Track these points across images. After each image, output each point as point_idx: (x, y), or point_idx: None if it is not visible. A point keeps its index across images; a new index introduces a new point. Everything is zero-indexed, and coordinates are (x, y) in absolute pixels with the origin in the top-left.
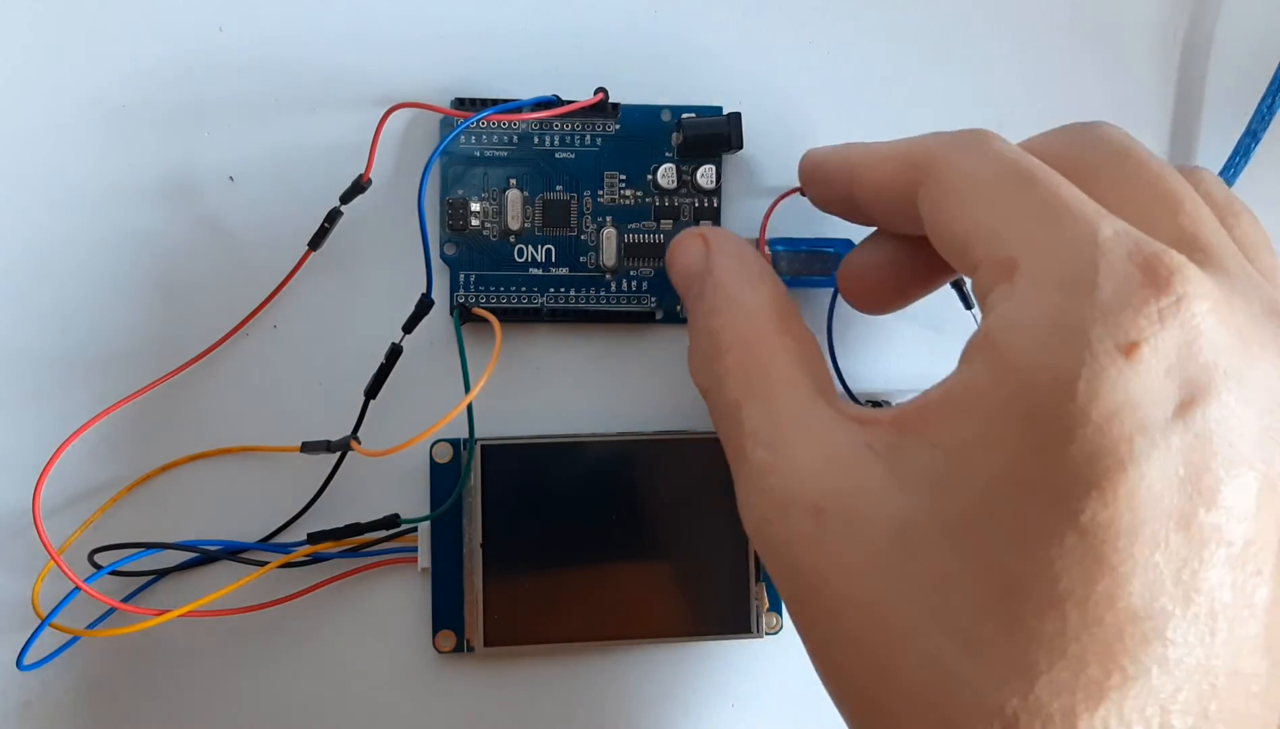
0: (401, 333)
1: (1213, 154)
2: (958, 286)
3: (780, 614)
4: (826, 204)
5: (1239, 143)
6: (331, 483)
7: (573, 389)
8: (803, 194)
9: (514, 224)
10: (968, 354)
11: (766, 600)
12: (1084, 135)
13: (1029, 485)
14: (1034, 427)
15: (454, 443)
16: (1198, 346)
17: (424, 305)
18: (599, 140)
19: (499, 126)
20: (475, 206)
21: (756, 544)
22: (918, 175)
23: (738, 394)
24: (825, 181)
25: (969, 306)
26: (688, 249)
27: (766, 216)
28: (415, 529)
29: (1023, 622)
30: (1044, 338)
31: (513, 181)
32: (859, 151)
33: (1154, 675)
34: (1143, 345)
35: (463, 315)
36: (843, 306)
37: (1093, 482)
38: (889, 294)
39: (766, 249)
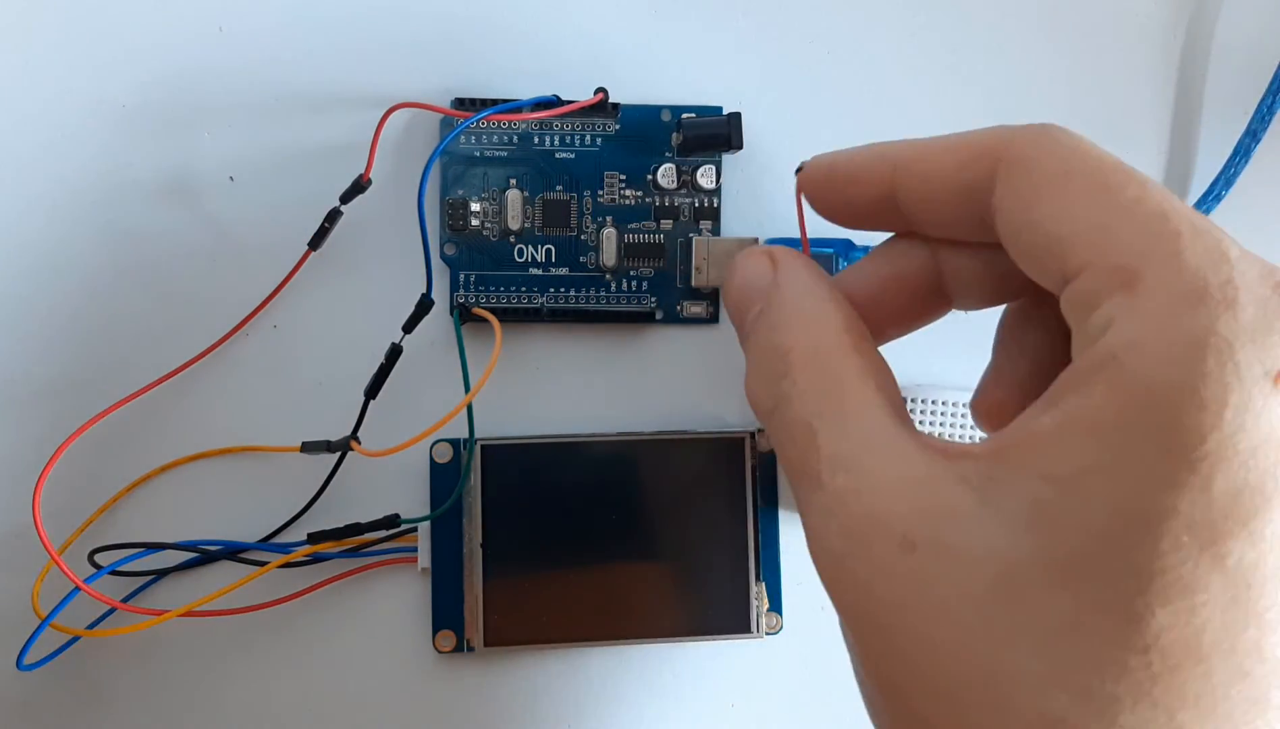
0: (401, 333)
1: (1213, 154)
2: None
3: (780, 614)
4: (845, 209)
5: (1239, 143)
6: (331, 483)
7: (572, 389)
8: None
9: (514, 224)
10: (1080, 376)
11: (766, 601)
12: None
13: (1163, 521)
14: (1171, 455)
15: (454, 443)
16: None
17: (424, 305)
18: (599, 140)
19: (499, 126)
20: (475, 206)
21: (829, 580)
22: (993, 165)
23: (810, 414)
24: (855, 181)
25: None
26: (752, 264)
27: (802, 221)
28: (415, 529)
29: (1162, 678)
30: (1184, 358)
31: (513, 181)
32: (904, 146)
33: None
34: None
35: (463, 315)
36: None
37: (1240, 519)
38: (900, 314)
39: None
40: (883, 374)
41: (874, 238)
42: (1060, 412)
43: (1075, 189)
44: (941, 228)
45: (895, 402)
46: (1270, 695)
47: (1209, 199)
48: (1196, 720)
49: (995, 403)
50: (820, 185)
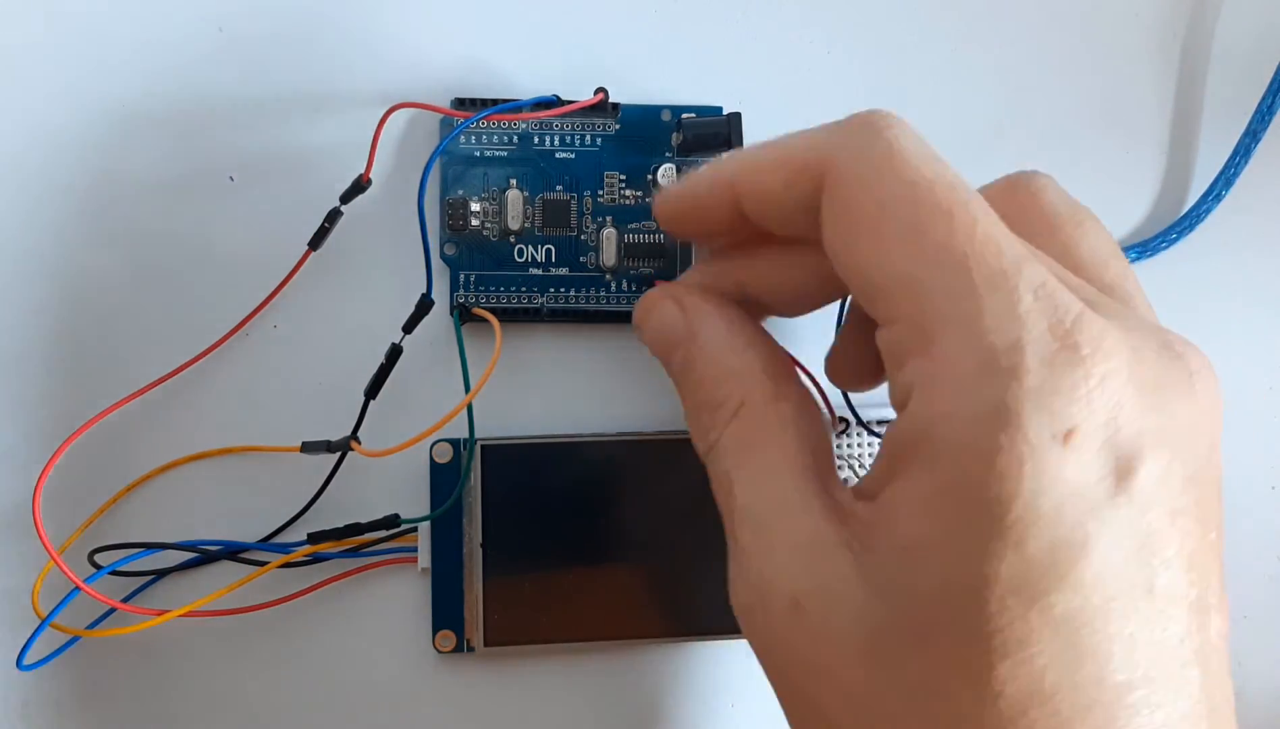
0: (402, 333)
1: (1213, 154)
2: None
3: None
4: (706, 233)
5: (1239, 143)
6: (331, 483)
7: (572, 389)
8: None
9: (514, 224)
10: (904, 451)
11: None
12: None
13: (987, 587)
14: (985, 527)
15: (454, 443)
16: (1123, 418)
17: (424, 305)
18: (599, 140)
19: (499, 126)
20: (475, 206)
21: (741, 626)
22: (815, 184)
23: (730, 467)
24: (702, 208)
25: None
26: (661, 314)
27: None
28: (415, 529)
29: (1014, 722)
30: (979, 433)
31: (513, 181)
32: (738, 163)
33: None
34: (1077, 431)
35: (463, 315)
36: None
37: (1058, 573)
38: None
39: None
40: (802, 417)
41: None
42: (896, 484)
43: (888, 231)
44: (795, 233)
45: (814, 449)
46: (1117, 720)
47: (1209, 198)
48: None
49: (844, 366)
50: (675, 221)
